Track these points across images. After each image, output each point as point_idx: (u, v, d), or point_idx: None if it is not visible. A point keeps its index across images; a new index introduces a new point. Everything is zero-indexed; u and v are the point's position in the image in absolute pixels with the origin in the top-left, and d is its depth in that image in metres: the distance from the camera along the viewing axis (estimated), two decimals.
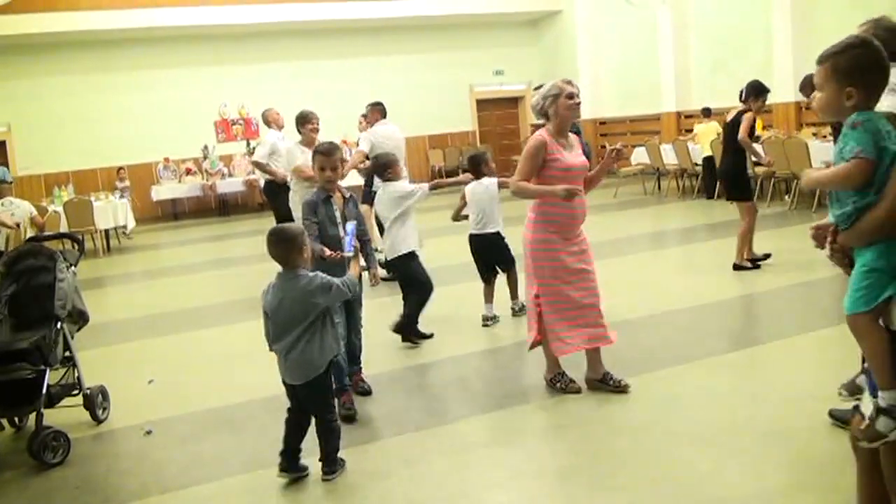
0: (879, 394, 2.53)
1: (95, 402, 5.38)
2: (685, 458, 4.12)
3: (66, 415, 5.21)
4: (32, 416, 4.90)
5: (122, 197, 15.80)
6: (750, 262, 8.35)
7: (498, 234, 7.05)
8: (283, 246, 4.15)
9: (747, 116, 8.26)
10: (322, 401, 4.21)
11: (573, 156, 5.05)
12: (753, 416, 4.59)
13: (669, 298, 7.48)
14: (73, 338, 5.28)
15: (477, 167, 7.10)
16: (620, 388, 5.08)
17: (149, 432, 5.17)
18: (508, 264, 7.17)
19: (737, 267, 8.30)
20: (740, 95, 8.47)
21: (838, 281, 7.55)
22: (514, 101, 23.83)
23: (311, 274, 4.15)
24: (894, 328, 2.42)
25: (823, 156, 10.66)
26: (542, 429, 4.80)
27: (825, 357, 5.52)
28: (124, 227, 15.05)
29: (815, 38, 13.94)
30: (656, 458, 4.14)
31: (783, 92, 14.08)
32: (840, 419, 4.13)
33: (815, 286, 7.43)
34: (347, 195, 5.21)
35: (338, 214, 5.09)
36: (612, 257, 9.27)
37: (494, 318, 7.07)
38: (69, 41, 18.37)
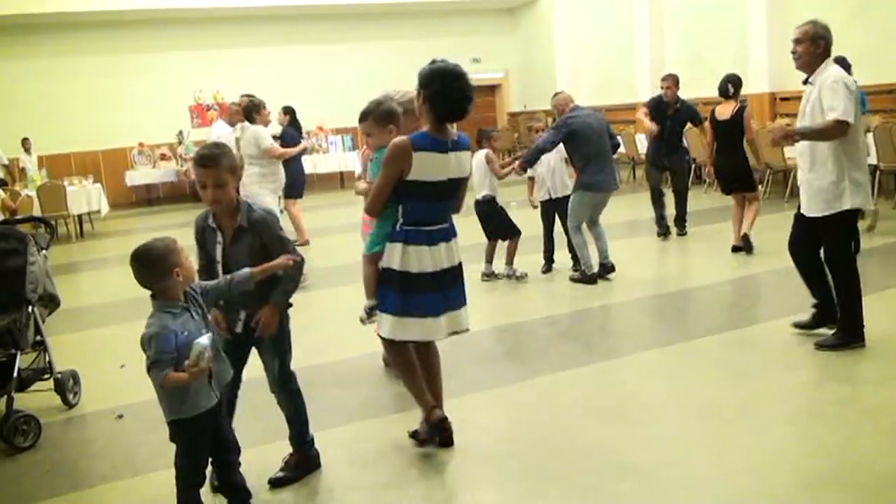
0: (366, 300, 4.27)
1: (66, 387, 5.37)
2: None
3: (38, 399, 5.20)
4: (3, 400, 4.87)
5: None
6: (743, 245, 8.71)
7: (488, 200, 8.02)
8: (147, 270, 3.36)
9: (749, 114, 8.50)
10: (176, 454, 3.53)
11: None
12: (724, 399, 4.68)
13: (642, 285, 7.59)
14: (44, 322, 5.27)
15: (479, 141, 8.05)
16: None
17: (120, 416, 5.18)
18: (508, 232, 8.08)
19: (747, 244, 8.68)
20: (727, 91, 8.60)
21: None
22: (491, 90, 23.82)
23: (156, 315, 3.34)
24: (380, 265, 4.11)
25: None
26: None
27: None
28: (97, 211, 14.96)
29: (790, 29, 13.93)
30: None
31: (758, 83, 14.19)
32: (802, 326, 5.66)
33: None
34: (244, 222, 3.79)
35: (219, 250, 3.82)
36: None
37: (493, 275, 8.23)
38: (41, 24, 18.14)
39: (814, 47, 5.22)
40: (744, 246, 8.62)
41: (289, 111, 11.98)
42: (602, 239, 8.07)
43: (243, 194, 8.57)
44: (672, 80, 9.77)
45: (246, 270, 3.63)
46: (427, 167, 4.00)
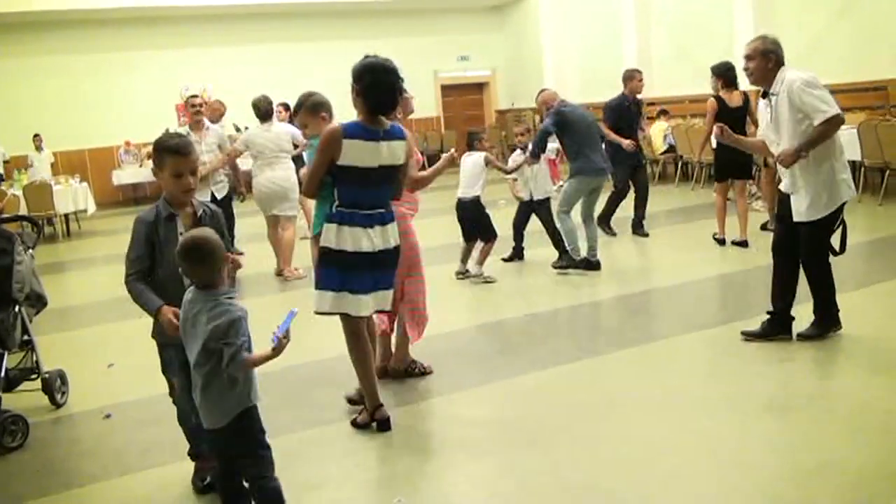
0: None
1: (54, 387, 5.35)
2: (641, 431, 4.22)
3: (25, 399, 5.18)
4: None
5: None
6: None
7: (477, 199, 8.06)
8: (206, 264, 3.21)
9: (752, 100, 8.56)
10: (244, 448, 3.33)
11: None
12: (708, 392, 4.71)
13: (627, 281, 7.62)
14: (31, 321, 5.24)
15: (469, 144, 8.26)
16: (426, 371, 5.46)
17: (108, 416, 5.17)
18: (486, 233, 8.04)
19: (746, 243, 8.72)
20: (735, 79, 8.51)
21: None
22: (478, 87, 23.84)
23: (226, 302, 3.19)
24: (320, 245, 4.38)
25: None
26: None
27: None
28: (84, 211, 14.90)
29: (777, 26, 14.07)
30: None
31: (745, 80, 14.20)
32: (753, 335, 5.54)
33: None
34: (201, 211, 3.80)
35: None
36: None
37: (466, 273, 8.13)
38: (26, 22, 18.01)
39: (765, 62, 5.24)
40: (740, 243, 8.72)
41: (288, 107, 11.89)
42: (593, 235, 8.25)
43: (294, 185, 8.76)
44: (643, 75, 10.05)
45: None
46: (357, 154, 4.28)
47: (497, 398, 5.01)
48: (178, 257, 3.28)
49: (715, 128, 5.74)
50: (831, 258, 5.39)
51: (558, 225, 8.24)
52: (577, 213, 8.28)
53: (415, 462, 4.21)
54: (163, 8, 18.71)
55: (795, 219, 5.26)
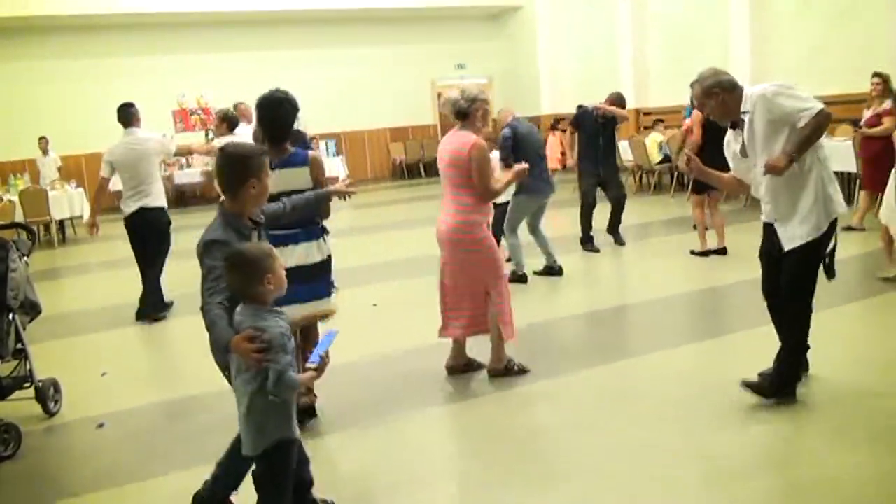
0: None
1: (47, 395, 5.33)
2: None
3: (18, 408, 5.15)
4: None
5: None
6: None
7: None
8: (239, 274, 3.15)
9: None
10: (265, 488, 3.26)
11: None
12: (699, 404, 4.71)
13: (625, 293, 7.61)
14: (24, 329, 5.22)
15: None
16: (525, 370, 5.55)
17: (101, 425, 5.15)
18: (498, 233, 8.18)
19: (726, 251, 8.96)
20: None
21: None
22: None
23: (268, 318, 3.13)
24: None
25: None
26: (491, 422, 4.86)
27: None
28: (80, 217, 14.84)
29: (772, 36, 14.13)
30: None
31: None
32: (751, 386, 4.74)
33: None
34: (260, 219, 3.69)
35: None
36: (572, 253, 9.41)
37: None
38: (24, 27, 18.03)
39: (714, 99, 4.81)
40: (719, 251, 8.92)
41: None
42: (546, 244, 8.52)
43: None
44: (619, 97, 10.03)
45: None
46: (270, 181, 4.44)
47: (486, 410, 5.00)
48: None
49: (681, 160, 5.62)
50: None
51: (505, 241, 8.35)
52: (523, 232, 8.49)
53: (407, 471, 4.19)
54: (160, 14, 18.71)
55: (787, 246, 4.75)
